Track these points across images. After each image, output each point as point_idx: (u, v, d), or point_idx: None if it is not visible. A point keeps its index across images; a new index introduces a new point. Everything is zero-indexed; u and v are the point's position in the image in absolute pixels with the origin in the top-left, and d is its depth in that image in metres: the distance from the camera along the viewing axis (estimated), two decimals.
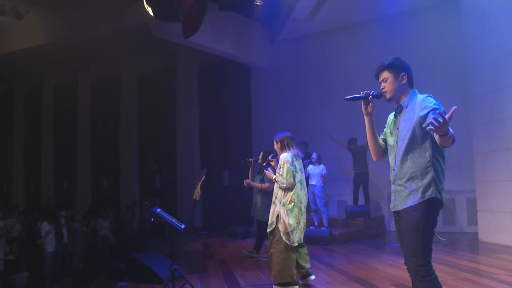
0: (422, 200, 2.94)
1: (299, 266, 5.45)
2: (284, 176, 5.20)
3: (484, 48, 8.84)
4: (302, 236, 5.28)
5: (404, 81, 3.15)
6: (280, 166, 5.33)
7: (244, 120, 13.57)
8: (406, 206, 3.00)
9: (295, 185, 5.22)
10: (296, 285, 5.20)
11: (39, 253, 9.84)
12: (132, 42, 13.14)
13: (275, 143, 5.67)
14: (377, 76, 3.24)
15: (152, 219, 11.95)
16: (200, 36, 10.30)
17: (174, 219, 5.35)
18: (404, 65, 3.19)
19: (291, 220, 5.09)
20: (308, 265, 5.57)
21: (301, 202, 5.24)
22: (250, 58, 12.68)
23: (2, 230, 8.03)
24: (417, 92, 3.16)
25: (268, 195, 7.47)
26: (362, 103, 3.20)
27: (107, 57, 15.08)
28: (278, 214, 5.20)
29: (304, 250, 5.55)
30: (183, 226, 5.24)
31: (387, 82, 3.17)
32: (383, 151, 3.35)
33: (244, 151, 12.74)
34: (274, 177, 5.39)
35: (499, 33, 8.41)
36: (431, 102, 2.96)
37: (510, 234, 8.21)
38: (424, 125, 2.89)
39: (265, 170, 5.55)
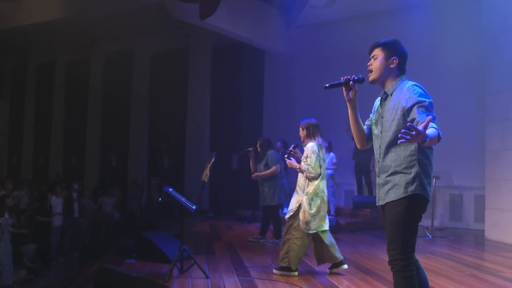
0: (404, 195, 2.84)
1: (330, 256, 5.43)
2: (312, 166, 5.19)
3: (504, 44, 8.72)
4: (322, 223, 5.29)
5: (393, 65, 3.00)
6: (306, 155, 5.33)
7: (256, 104, 13.53)
8: (388, 200, 2.92)
9: (321, 174, 5.23)
10: (296, 271, 5.31)
11: (47, 227, 9.95)
12: (148, 20, 13.07)
13: (300, 129, 5.64)
14: (370, 52, 3.09)
15: (160, 199, 12.01)
16: (216, 18, 10.24)
17: (184, 199, 5.38)
18: (399, 50, 3.03)
19: (312, 210, 5.14)
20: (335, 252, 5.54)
21: (322, 191, 5.26)
22: (265, 43, 12.61)
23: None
24: (406, 80, 3.01)
25: (273, 178, 7.56)
26: (344, 90, 3.04)
27: (121, 35, 15.03)
28: (300, 203, 5.22)
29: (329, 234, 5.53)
30: (194, 207, 5.27)
31: (376, 60, 3.03)
32: (367, 138, 3.22)
33: (254, 136, 12.67)
34: (298, 166, 5.39)
35: None
36: (416, 93, 2.81)
37: None
38: (408, 119, 2.77)
39: (286, 159, 5.54)
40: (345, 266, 5.45)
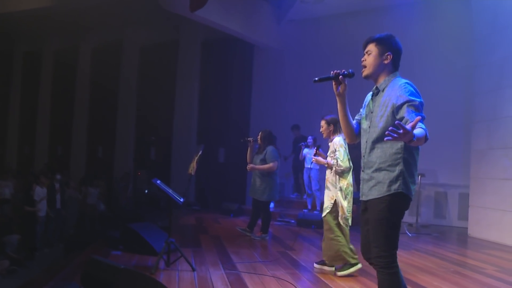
0: (387, 193, 2.86)
1: None
2: (341, 159, 5.21)
3: (492, 45, 8.83)
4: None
5: (387, 61, 2.99)
6: (334, 150, 5.34)
7: (244, 98, 13.51)
8: (371, 197, 2.94)
9: (351, 167, 5.25)
10: (358, 263, 5.22)
11: (32, 217, 9.85)
12: (137, 11, 12.95)
13: (325, 125, 5.67)
14: (364, 47, 3.07)
15: (147, 191, 11.97)
16: (206, 11, 10.20)
17: (171, 191, 5.36)
18: (394, 45, 3.01)
19: (347, 204, 5.15)
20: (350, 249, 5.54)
21: (351, 185, 5.29)
22: (255, 37, 12.58)
23: None
24: (400, 77, 2.99)
25: (268, 175, 7.52)
26: (333, 84, 3.03)
27: (110, 25, 14.86)
28: (335, 199, 5.24)
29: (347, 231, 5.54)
30: (182, 200, 5.26)
31: (370, 55, 3.01)
32: (356, 134, 3.22)
33: (241, 129, 12.73)
34: (325, 162, 5.39)
35: (508, 31, 8.40)
36: (407, 91, 2.80)
37: (499, 231, 8.34)
38: (397, 117, 2.77)
39: (313, 157, 5.53)
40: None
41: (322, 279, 5.09)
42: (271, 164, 7.44)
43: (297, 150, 10.99)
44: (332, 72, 3.03)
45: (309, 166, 9.80)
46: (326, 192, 5.41)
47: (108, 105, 15.89)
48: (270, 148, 7.58)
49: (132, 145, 15.48)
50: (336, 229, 5.23)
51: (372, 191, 2.94)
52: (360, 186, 3.10)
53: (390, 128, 2.40)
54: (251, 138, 7.81)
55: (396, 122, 2.42)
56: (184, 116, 14.26)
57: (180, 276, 4.94)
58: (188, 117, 14.23)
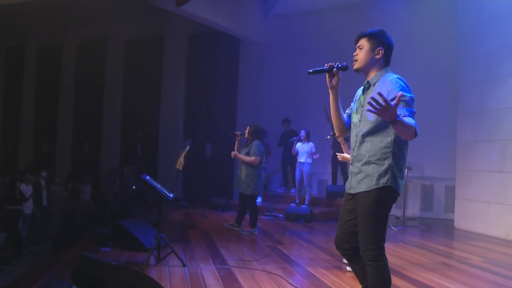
0: (376, 187, 2.88)
1: None
2: None
3: (477, 39, 8.93)
4: None
5: (378, 56, 3.01)
6: None
7: (230, 93, 13.51)
8: (360, 190, 2.95)
9: None
10: None
11: (17, 215, 9.75)
12: (123, 6, 12.84)
13: None
14: (356, 42, 3.09)
15: (134, 186, 11.92)
16: (192, 5, 10.15)
17: (161, 187, 5.34)
18: (385, 40, 3.04)
19: None
20: None
21: None
22: (241, 31, 12.55)
23: None
24: (391, 72, 3.02)
25: (253, 168, 7.54)
26: (327, 76, 3.05)
27: (95, 20, 14.70)
28: None
29: None
30: (171, 195, 5.24)
31: (361, 50, 3.03)
32: (346, 127, 3.23)
33: (228, 124, 12.74)
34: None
35: (493, 25, 8.50)
36: (398, 86, 2.84)
37: (485, 222, 8.46)
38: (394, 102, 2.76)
39: (338, 155, 5.49)
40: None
41: (313, 272, 5.13)
42: (252, 158, 7.45)
43: (287, 144, 11.00)
44: (326, 64, 3.04)
45: (301, 161, 9.85)
46: None
47: (94, 101, 15.77)
48: (255, 143, 7.59)
49: (118, 141, 15.40)
50: None
51: (361, 184, 2.96)
52: (348, 179, 3.12)
53: (370, 97, 2.45)
54: (239, 132, 7.81)
55: (377, 92, 2.47)
56: (170, 111, 14.22)
57: (171, 271, 4.94)
58: (174, 112, 14.19)
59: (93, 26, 15.39)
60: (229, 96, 13.54)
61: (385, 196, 2.90)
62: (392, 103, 2.44)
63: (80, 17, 14.35)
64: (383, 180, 2.88)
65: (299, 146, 9.96)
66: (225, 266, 5.30)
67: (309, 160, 9.78)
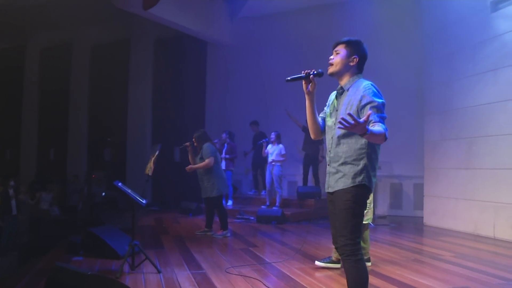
0: (352, 185, 3.04)
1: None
2: None
3: (441, 40, 9.13)
4: (371, 215, 5.45)
5: (353, 63, 3.16)
6: None
7: (199, 96, 13.47)
8: (338, 188, 3.10)
9: None
10: (338, 264, 5.36)
11: None
12: (88, 10, 12.60)
13: None
14: (334, 47, 3.24)
15: (104, 193, 11.70)
16: (159, 9, 10.09)
17: (133, 193, 5.26)
18: (361, 50, 3.20)
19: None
20: (368, 247, 5.54)
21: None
22: (208, 34, 12.51)
23: None
24: (363, 79, 3.18)
25: (210, 171, 7.59)
26: (303, 83, 3.16)
27: (59, 24, 14.41)
28: None
29: (368, 232, 5.55)
30: (144, 201, 5.17)
31: (338, 55, 3.18)
32: (321, 130, 3.37)
33: (197, 127, 12.60)
34: None
35: (456, 26, 8.71)
36: (370, 92, 3.00)
37: (454, 218, 8.65)
38: (361, 116, 2.94)
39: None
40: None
41: (288, 274, 5.13)
42: (207, 161, 7.53)
43: (257, 146, 11.02)
44: (302, 72, 3.15)
45: (272, 162, 9.88)
46: None
47: (59, 106, 15.45)
48: (205, 146, 7.68)
49: (85, 147, 15.11)
50: None
51: (338, 183, 3.11)
52: (326, 179, 3.25)
53: (341, 117, 2.64)
54: (188, 143, 7.84)
55: (348, 112, 2.64)
56: (138, 115, 14.07)
57: (146, 278, 4.86)
58: (142, 116, 14.04)
59: (57, 31, 15.09)
60: (197, 100, 13.48)
61: (361, 193, 3.07)
62: (361, 120, 2.59)
63: (44, 21, 14.04)
64: (359, 179, 3.05)
65: (269, 148, 9.99)
66: (201, 271, 5.25)
67: (278, 162, 9.83)
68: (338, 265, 5.35)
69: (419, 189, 10.17)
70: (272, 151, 9.92)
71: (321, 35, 11.10)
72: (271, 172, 9.94)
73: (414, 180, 10.46)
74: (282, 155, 9.85)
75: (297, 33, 11.69)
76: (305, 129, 10.58)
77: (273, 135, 9.96)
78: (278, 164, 9.85)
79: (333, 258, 5.42)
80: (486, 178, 7.97)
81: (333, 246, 5.30)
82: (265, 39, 12.36)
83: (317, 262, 5.43)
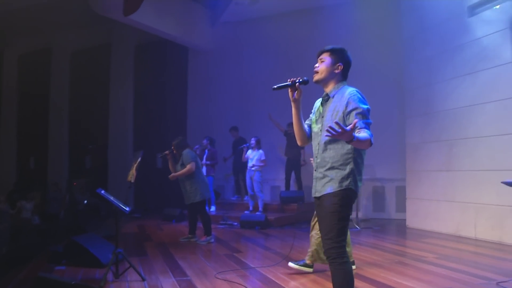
0: (339, 189, 3.09)
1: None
2: None
3: (421, 43, 9.25)
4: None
5: (337, 71, 3.23)
6: None
7: (180, 101, 13.44)
8: (325, 192, 3.14)
9: None
10: (311, 268, 5.38)
11: None
12: (67, 15, 12.47)
13: None
14: (318, 55, 3.31)
15: (86, 201, 11.57)
16: (140, 14, 10.04)
17: (116, 200, 5.20)
18: (345, 58, 3.27)
19: None
20: (351, 250, 5.54)
21: None
22: (189, 40, 12.49)
23: None
24: (348, 86, 3.24)
25: (192, 176, 7.63)
26: (290, 90, 3.22)
27: (38, 30, 14.23)
28: None
29: (349, 235, 5.55)
30: (128, 209, 5.12)
31: (323, 63, 3.25)
32: (308, 137, 3.42)
33: (178, 133, 12.57)
34: None
35: (435, 30, 8.83)
36: (356, 99, 3.07)
37: (436, 220, 8.74)
38: (347, 123, 3.02)
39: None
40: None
41: (273, 278, 5.13)
42: (188, 167, 7.57)
43: (237, 152, 11.02)
44: (288, 80, 3.20)
45: (251, 168, 9.88)
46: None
47: (39, 114, 15.27)
48: (184, 152, 7.73)
49: (66, 154, 14.94)
50: (316, 228, 5.31)
51: (325, 187, 3.15)
52: (313, 184, 3.29)
53: (329, 125, 2.67)
54: (167, 151, 7.85)
55: (335, 121, 2.70)
56: (119, 122, 13.97)
57: (131, 287, 4.81)
58: (123, 122, 13.95)
59: (36, 36, 14.92)
60: (178, 105, 13.44)
61: (347, 196, 3.11)
62: (348, 128, 2.66)
63: (22, 26, 13.83)
64: (346, 183, 3.09)
65: (249, 153, 10.02)
66: (185, 278, 5.22)
67: (258, 168, 9.84)
68: (310, 270, 5.37)
69: (401, 191, 10.25)
70: (253, 156, 9.95)
71: (302, 40, 11.19)
72: (251, 177, 9.95)
73: (396, 182, 10.55)
74: (262, 161, 9.88)
75: (278, 37, 11.74)
76: (287, 134, 10.62)
77: (253, 141, 9.99)
78: (258, 169, 9.86)
79: (307, 262, 5.40)
80: (466, 179, 8.08)
81: (309, 250, 5.39)
82: (246, 44, 12.38)
83: (290, 263, 5.45)
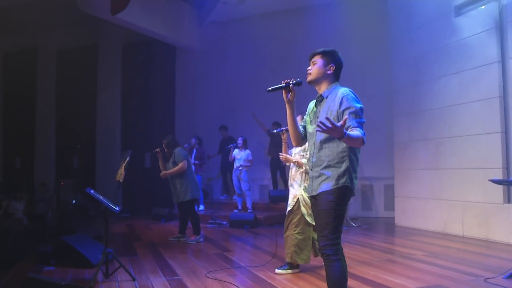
0: (335, 187, 3.13)
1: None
2: None
3: (408, 43, 9.33)
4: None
5: (329, 71, 3.29)
6: (305, 148, 5.27)
7: (168, 101, 13.39)
8: (321, 190, 3.18)
9: None
10: (297, 269, 5.40)
11: None
12: (54, 14, 12.36)
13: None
14: (310, 58, 3.36)
15: (74, 201, 11.49)
16: (127, 13, 10.00)
17: (106, 200, 5.18)
18: (337, 59, 3.33)
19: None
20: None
21: None
22: (177, 39, 12.45)
23: None
24: (340, 86, 3.29)
25: (184, 175, 7.64)
26: (283, 92, 3.26)
27: (24, 29, 14.06)
28: (298, 198, 5.31)
29: None
30: (117, 208, 5.10)
31: (315, 65, 3.30)
32: (302, 137, 3.47)
33: (166, 133, 12.54)
34: (295, 160, 5.39)
35: (422, 30, 8.91)
36: (349, 98, 3.12)
37: (424, 218, 8.82)
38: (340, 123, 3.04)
39: (280, 155, 5.44)
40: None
41: (264, 277, 5.14)
42: (180, 165, 7.60)
43: (225, 151, 11.02)
44: (282, 81, 3.24)
45: (239, 167, 9.89)
46: (290, 190, 5.49)
47: (25, 113, 15.09)
48: (177, 150, 7.76)
49: (53, 154, 14.80)
50: (294, 227, 5.32)
51: (322, 186, 3.18)
52: (309, 183, 3.34)
53: (319, 121, 2.72)
54: (158, 149, 7.86)
55: (325, 117, 2.72)
56: (107, 121, 13.87)
57: (121, 286, 4.79)
58: (111, 122, 13.86)
59: (21, 35, 14.73)
60: (166, 105, 13.40)
61: (343, 194, 3.15)
62: (339, 124, 2.68)
63: (7, 25, 13.66)
64: (342, 181, 3.13)
65: (236, 152, 10.03)
66: (176, 277, 5.21)
67: (245, 168, 9.85)
68: (297, 270, 5.39)
69: (389, 190, 10.34)
70: (240, 156, 9.95)
71: (290, 39, 11.22)
72: (238, 177, 9.96)
73: (384, 181, 10.63)
74: (249, 161, 9.90)
75: (266, 37, 11.75)
76: (270, 134, 10.62)
77: (240, 140, 10.00)
78: (245, 169, 9.88)
79: (289, 261, 5.39)
80: (453, 177, 8.16)
81: (287, 251, 5.38)
82: (233, 44, 12.38)
83: (277, 270, 5.40)
